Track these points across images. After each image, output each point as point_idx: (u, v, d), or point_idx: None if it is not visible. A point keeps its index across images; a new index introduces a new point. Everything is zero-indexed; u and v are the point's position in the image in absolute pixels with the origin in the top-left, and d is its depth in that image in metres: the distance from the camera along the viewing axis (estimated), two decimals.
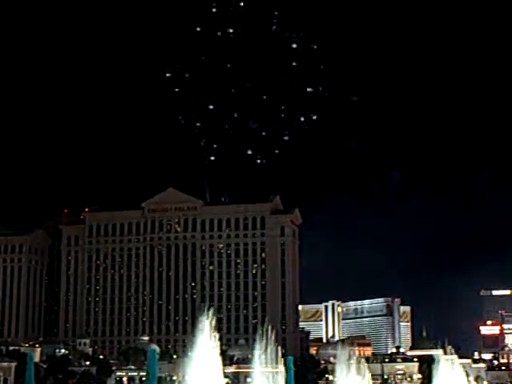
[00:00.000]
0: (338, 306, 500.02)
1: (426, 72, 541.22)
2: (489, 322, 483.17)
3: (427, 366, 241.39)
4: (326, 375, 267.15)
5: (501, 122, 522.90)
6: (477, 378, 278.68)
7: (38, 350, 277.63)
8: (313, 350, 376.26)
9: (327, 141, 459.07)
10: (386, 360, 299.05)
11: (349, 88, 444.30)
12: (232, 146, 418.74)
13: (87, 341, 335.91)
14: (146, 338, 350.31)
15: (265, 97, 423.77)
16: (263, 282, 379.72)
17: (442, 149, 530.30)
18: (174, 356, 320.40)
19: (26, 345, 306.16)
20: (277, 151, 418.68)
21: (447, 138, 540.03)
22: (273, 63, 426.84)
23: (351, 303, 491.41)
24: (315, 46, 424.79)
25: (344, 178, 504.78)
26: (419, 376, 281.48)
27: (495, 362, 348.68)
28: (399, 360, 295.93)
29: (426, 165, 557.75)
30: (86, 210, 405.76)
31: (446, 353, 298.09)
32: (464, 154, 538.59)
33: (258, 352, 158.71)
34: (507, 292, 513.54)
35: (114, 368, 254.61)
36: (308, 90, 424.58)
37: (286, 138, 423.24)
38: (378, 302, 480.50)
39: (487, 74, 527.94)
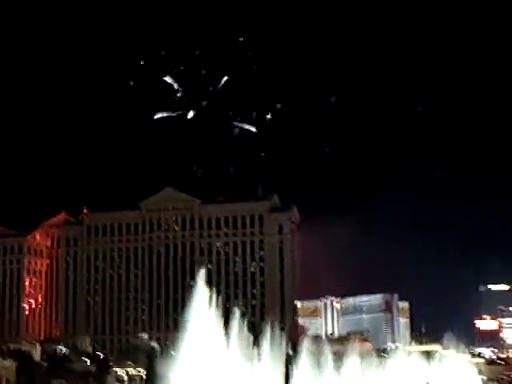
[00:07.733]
0: (337, 302, 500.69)
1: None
2: (487, 317, 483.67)
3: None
4: None
5: None
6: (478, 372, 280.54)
7: (39, 348, 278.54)
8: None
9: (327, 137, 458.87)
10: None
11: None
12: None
13: (87, 339, 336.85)
14: (146, 336, 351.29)
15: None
16: (262, 280, 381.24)
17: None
18: (173, 353, 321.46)
19: (27, 344, 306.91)
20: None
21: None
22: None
23: (350, 299, 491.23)
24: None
25: (346, 175, 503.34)
26: None
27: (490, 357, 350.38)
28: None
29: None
30: (84, 210, 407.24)
31: (444, 348, 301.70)
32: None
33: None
34: (505, 287, 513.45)
35: (111, 364, 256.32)
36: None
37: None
38: (376, 299, 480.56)
39: None
